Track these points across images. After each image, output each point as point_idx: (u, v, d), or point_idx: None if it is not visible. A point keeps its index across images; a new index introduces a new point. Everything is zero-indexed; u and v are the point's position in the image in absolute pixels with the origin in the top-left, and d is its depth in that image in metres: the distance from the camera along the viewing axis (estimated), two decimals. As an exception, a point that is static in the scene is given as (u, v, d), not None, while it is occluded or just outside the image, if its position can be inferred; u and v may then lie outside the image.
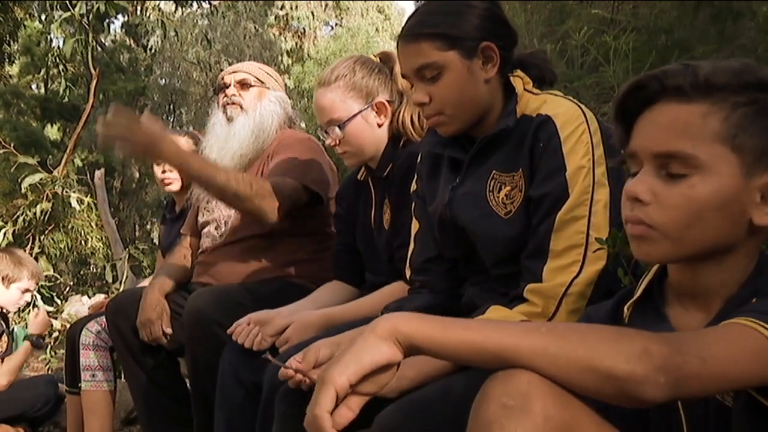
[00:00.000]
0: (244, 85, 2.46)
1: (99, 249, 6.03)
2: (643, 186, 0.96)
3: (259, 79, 2.48)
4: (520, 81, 1.50)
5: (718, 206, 0.93)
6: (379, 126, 1.94)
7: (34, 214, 5.49)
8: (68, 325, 3.65)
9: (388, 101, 1.94)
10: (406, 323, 0.88)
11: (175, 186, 3.00)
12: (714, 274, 0.98)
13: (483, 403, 0.83)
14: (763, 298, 0.92)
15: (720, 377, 0.84)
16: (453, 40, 1.43)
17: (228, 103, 2.46)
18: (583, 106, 1.45)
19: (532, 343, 0.84)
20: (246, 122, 2.42)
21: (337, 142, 1.93)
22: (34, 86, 14.06)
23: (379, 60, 2.00)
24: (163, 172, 2.99)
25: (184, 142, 2.96)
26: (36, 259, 5.19)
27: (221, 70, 2.59)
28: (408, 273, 1.69)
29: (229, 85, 2.47)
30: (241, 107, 2.44)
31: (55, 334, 4.96)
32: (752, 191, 0.94)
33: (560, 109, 1.43)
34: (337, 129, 1.92)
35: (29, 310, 4.84)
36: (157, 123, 2.05)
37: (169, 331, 2.30)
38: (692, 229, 0.94)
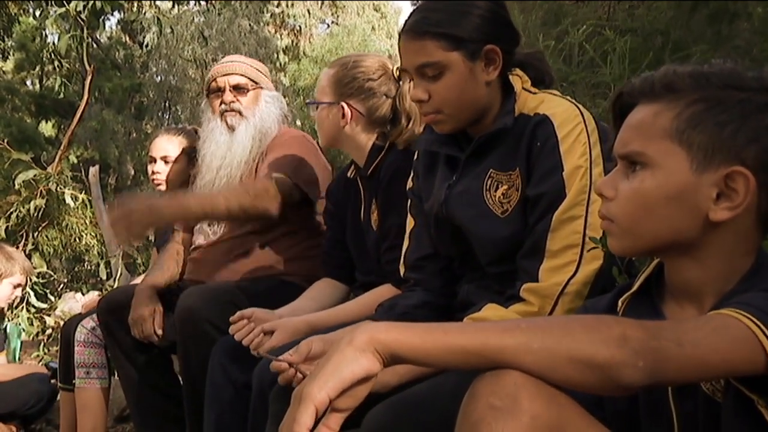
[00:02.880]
0: (240, 89, 2.42)
1: (93, 246, 6.00)
2: (607, 183, 1.02)
3: (253, 81, 2.45)
4: (518, 80, 1.50)
5: (666, 200, 0.96)
6: (342, 127, 1.95)
7: (28, 210, 5.46)
8: (62, 323, 3.64)
9: (355, 109, 1.93)
10: (386, 333, 0.85)
11: (165, 186, 2.98)
12: (692, 270, 0.99)
13: (470, 403, 0.83)
14: (755, 291, 0.92)
15: (699, 363, 0.83)
16: (458, 41, 1.42)
17: (227, 111, 2.41)
18: (580, 106, 1.45)
19: (515, 341, 0.83)
20: (247, 129, 2.39)
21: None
22: (28, 82, 14.02)
23: (398, 73, 1.98)
24: (153, 173, 2.97)
25: (178, 142, 2.94)
26: (29, 255, 5.17)
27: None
28: (402, 270, 1.68)
29: (224, 89, 2.42)
30: (240, 114, 2.40)
31: (49, 331, 4.94)
32: (705, 187, 0.95)
33: (558, 108, 1.43)
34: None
35: (22, 307, 4.83)
36: (145, 198, 2.12)
37: (160, 332, 2.29)
38: (644, 221, 0.98)
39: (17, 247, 4.80)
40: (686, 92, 0.97)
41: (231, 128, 2.41)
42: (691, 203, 0.95)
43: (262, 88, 2.47)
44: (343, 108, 1.93)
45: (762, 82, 0.96)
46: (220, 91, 2.43)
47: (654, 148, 0.97)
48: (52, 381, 3.10)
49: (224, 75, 2.43)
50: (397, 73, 1.96)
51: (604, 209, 1.03)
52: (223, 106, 2.42)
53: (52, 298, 5.37)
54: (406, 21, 1.49)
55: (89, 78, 6.03)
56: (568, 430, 0.83)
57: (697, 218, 0.95)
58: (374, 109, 1.93)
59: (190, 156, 2.90)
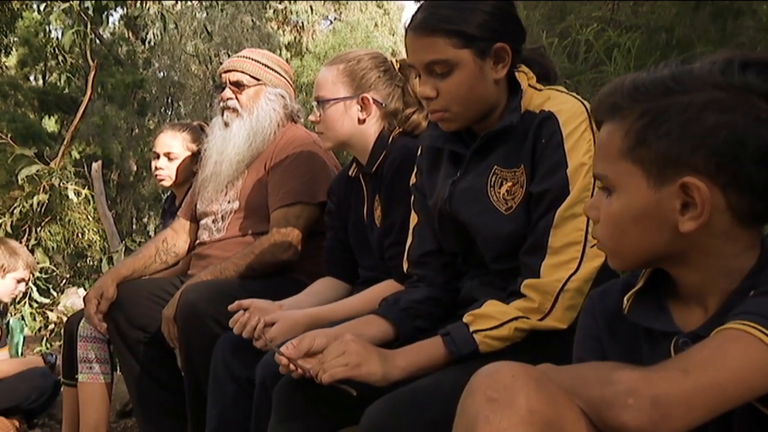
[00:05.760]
0: (239, 85, 2.41)
1: (96, 241, 6.02)
2: (590, 205, 1.03)
3: (254, 77, 2.42)
4: (524, 77, 1.50)
5: (634, 220, 0.95)
6: (361, 121, 1.93)
7: (31, 205, 5.47)
8: (64, 318, 3.65)
9: (375, 100, 1.92)
10: None
11: (167, 182, 2.98)
12: (690, 275, 0.98)
13: (468, 397, 0.84)
14: (758, 295, 0.89)
15: (710, 389, 0.80)
16: (468, 39, 1.41)
17: (225, 108, 2.42)
18: (586, 103, 1.44)
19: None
20: (241, 126, 2.38)
21: (317, 119, 1.97)
22: (32, 78, 14.02)
23: (398, 65, 1.97)
24: (156, 169, 2.96)
25: (182, 138, 2.93)
26: (32, 251, 5.19)
27: (220, 63, 2.56)
28: (406, 266, 1.68)
29: (225, 85, 2.42)
30: (237, 111, 2.40)
31: (51, 326, 4.96)
32: (667, 201, 0.93)
33: (563, 105, 1.42)
34: (318, 107, 1.96)
35: (25, 302, 4.84)
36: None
37: (103, 325, 2.36)
38: (621, 241, 0.98)
39: (20, 243, 4.82)
40: (630, 108, 0.95)
41: (226, 124, 2.42)
42: (658, 219, 0.94)
43: (264, 84, 2.45)
44: (363, 101, 1.92)
45: (706, 78, 0.93)
46: (222, 87, 2.44)
47: (613, 169, 0.96)
48: (53, 374, 3.11)
49: (226, 71, 2.44)
50: (398, 66, 1.97)
51: (593, 231, 1.04)
52: (222, 103, 2.43)
53: (55, 294, 5.39)
54: (413, 16, 1.48)
55: (92, 74, 6.04)
56: (565, 428, 0.83)
57: (670, 231, 0.94)
58: (390, 99, 1.93)
59: (195, 153, 2.90)
